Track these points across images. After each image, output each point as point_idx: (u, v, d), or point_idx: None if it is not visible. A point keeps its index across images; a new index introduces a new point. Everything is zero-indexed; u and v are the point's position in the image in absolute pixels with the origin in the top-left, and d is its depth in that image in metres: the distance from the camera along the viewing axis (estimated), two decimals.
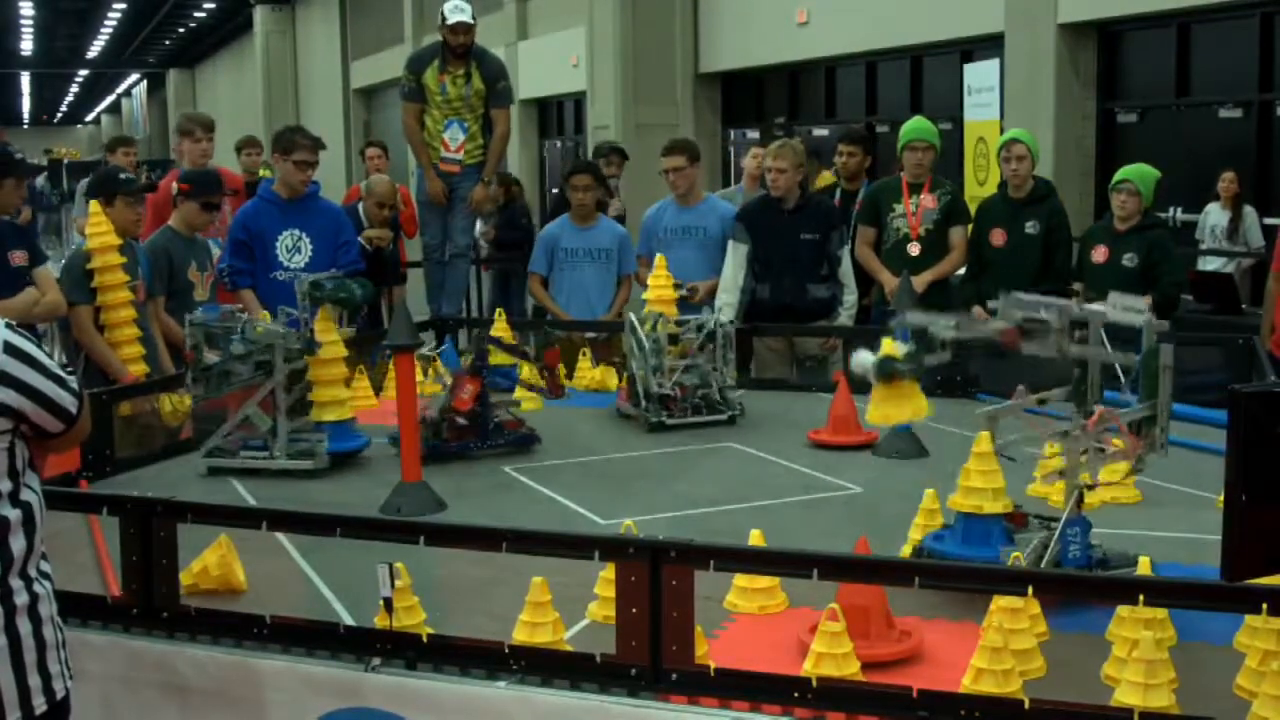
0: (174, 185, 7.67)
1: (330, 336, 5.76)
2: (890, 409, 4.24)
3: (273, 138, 8.01)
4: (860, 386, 5.32)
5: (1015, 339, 3.92)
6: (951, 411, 6.50)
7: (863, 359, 4.15)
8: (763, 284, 7.76)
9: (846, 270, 7.78)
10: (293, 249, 7.62)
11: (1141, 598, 2.99)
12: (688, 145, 8.50)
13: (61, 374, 2.97)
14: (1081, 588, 3.13)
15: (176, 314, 7.03)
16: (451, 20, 8.58)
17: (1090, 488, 3.85)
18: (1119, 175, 7.66)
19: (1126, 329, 3.93)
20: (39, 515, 2.96)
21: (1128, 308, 3.86)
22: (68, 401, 2.97)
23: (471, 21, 8.63)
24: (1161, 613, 3.35)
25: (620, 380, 7.05)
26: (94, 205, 6.67)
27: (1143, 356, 3.84)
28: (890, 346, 4.14)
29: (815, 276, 7.71)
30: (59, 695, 2.97)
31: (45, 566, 3.00)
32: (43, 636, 2.93)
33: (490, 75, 8.79)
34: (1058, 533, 3.79)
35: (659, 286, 6.87)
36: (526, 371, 6.61)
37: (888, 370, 4.09)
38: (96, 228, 6.53)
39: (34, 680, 2.90)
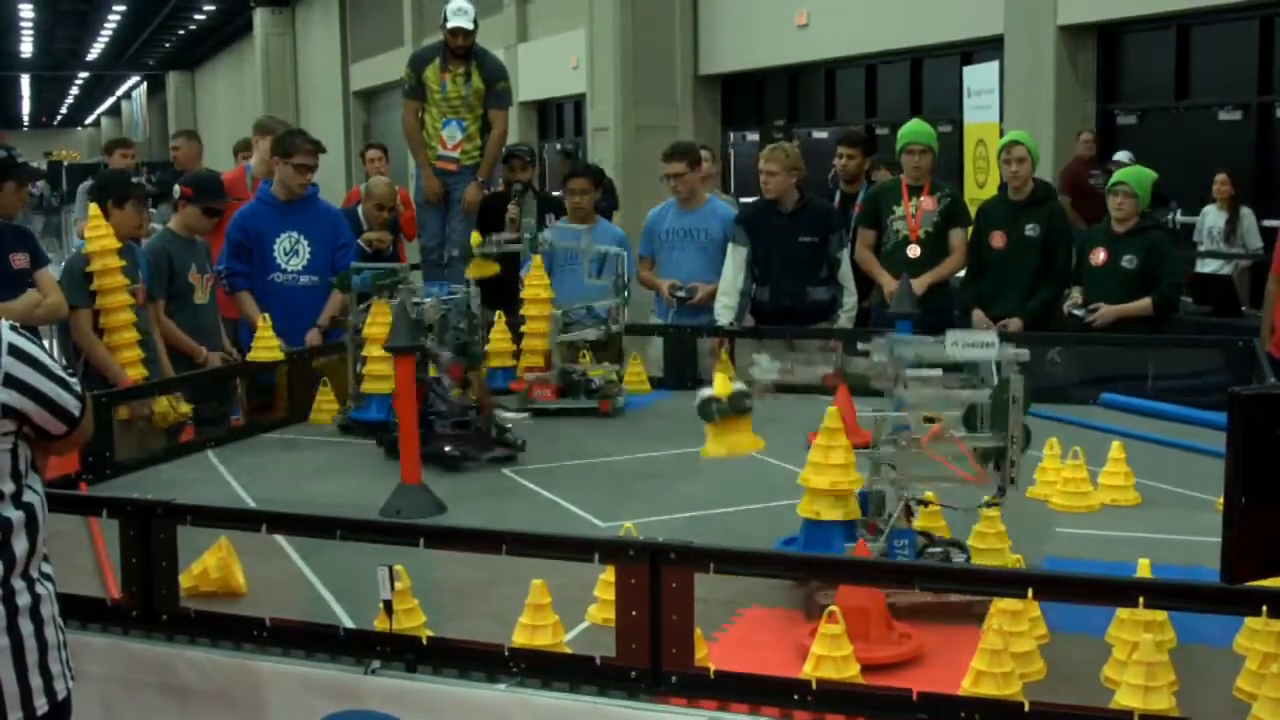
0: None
1: (384, 318, 6.02)
2: (719, 445, 4.24)
3: (272, 141, 8.00)
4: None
5: (837, 382, 3.93)
6: None
7: (699, 394, 4.18)
8: (762, 286, 7.77)
9: (846, 272, 7.78)
10: (290, 251, 7.62)
11: (1141, 600, 2.99)
12: (688, 150, 8.49)
13: (64, 376, 2.97)
14: (1082, 590, 3.13)
15: (175, 317, 7.04)
16: (452, 24, 8.61)
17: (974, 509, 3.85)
18: (1115, 177, 7.67)
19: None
20: (41, 517, 2.97)
21: (973, 344, 3.82)
22: (70, 404, 2.98)
23: (471, 27, 8.66)
24: (1161, 615, 3.35)
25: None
26: (93, 208, 6.65)
27: (994, 390, 3.82)
28: (720, 385, 4.14)
29: (814, 279, 7.72)
30: (60, 696, 2.98)
31: (47, 568, 3.01)
32: (44, 637, 2.94)
33: (490, 76, 8.82)
34: (882, 540, 3.79)
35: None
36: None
37: (707, 412, 4.11)
38: (95, 230, 6.53)
39: (35, 681, 2.90)
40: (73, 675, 3.04)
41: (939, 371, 3.87)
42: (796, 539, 3.98)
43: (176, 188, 7.39)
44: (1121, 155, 12.65)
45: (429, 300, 6.11)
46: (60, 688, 2.97)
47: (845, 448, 3.83)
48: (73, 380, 3.00)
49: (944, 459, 3.82)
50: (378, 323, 6.17)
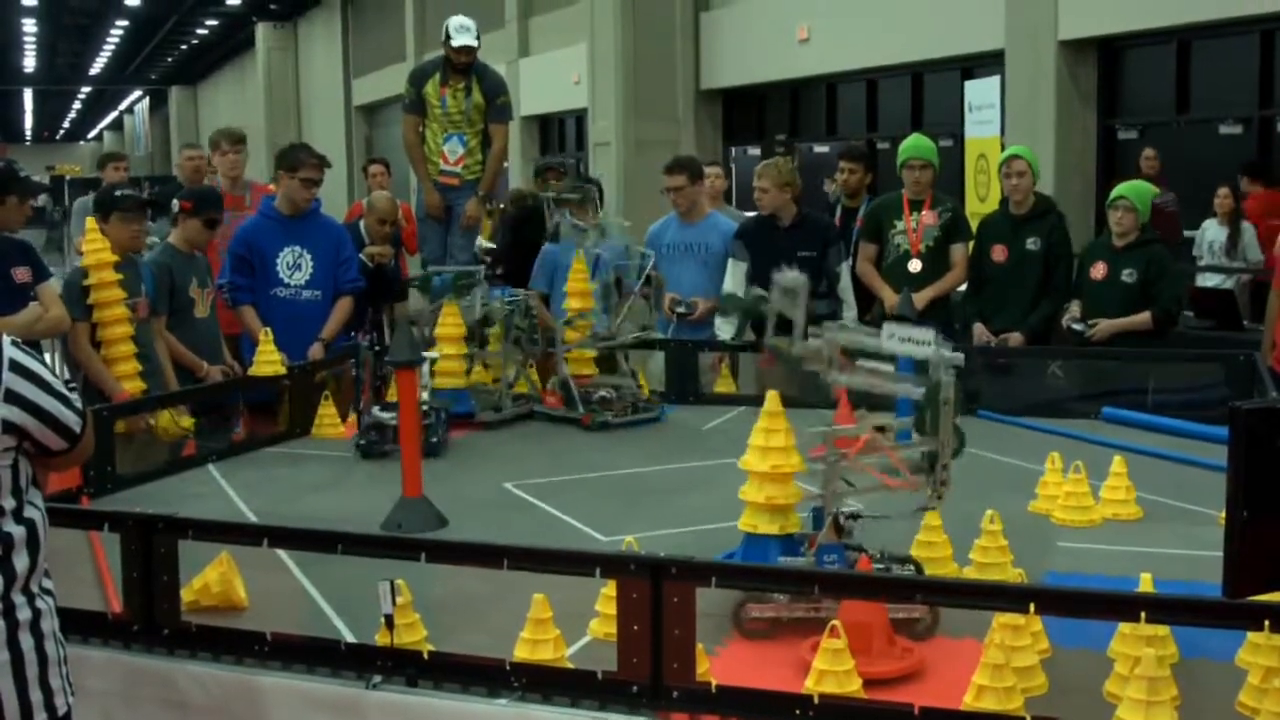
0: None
1: (455, 319, 6.77)
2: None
3: (277, 155, 8.01)
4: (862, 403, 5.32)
5: (770, 364, 3.95)
6: None
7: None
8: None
9: (845, 286, 7.79)
10: (293, 265, 7.62)
11: (1143, 615, 2.99)
12: (689, 164, 8.50)
13: (66, 392, 2.97)
14: (1084, 604, 3.12)
15: (176, 331, 7.04)
16: (457, 42, 8.64)
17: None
18: (1115, 192, 7.68)
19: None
20: (42, 532, 2.97)
21: (909, 339, 3.80)
22: (71, 420, 2.98)
23: (476, 45, 8.69)
24: (1163, 630, 3.35)
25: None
26: (90, 222, 6.67)
27: (927, 390, 3.79)
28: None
29: (813, 293, 7.70)
30: (61, 711, 2.97)
31: (48, 583, 3.01)
32: (45, 652, 2.93)
33: (490, 91, 8.84)
34: (812, 555, 3.79)
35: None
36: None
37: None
38: (92, 245, 6.54)
39: (36, 695, 2.90)
40: (73, 690, 3.03)
41: (884, 365, 3.85)
42: (735, 554, 4.00)
43: (175, 202, 7.40)
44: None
45: (495, 301, 7.03)
46: (61, 703, 2.97)
47: (782, 457, 3.85)
48: (74, 396, 3.00)
49: (873, 470, 3.80)
50: (448, 323, 6.80)
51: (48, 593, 2.99)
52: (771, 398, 3.93)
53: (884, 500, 3.91)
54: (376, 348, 6.80)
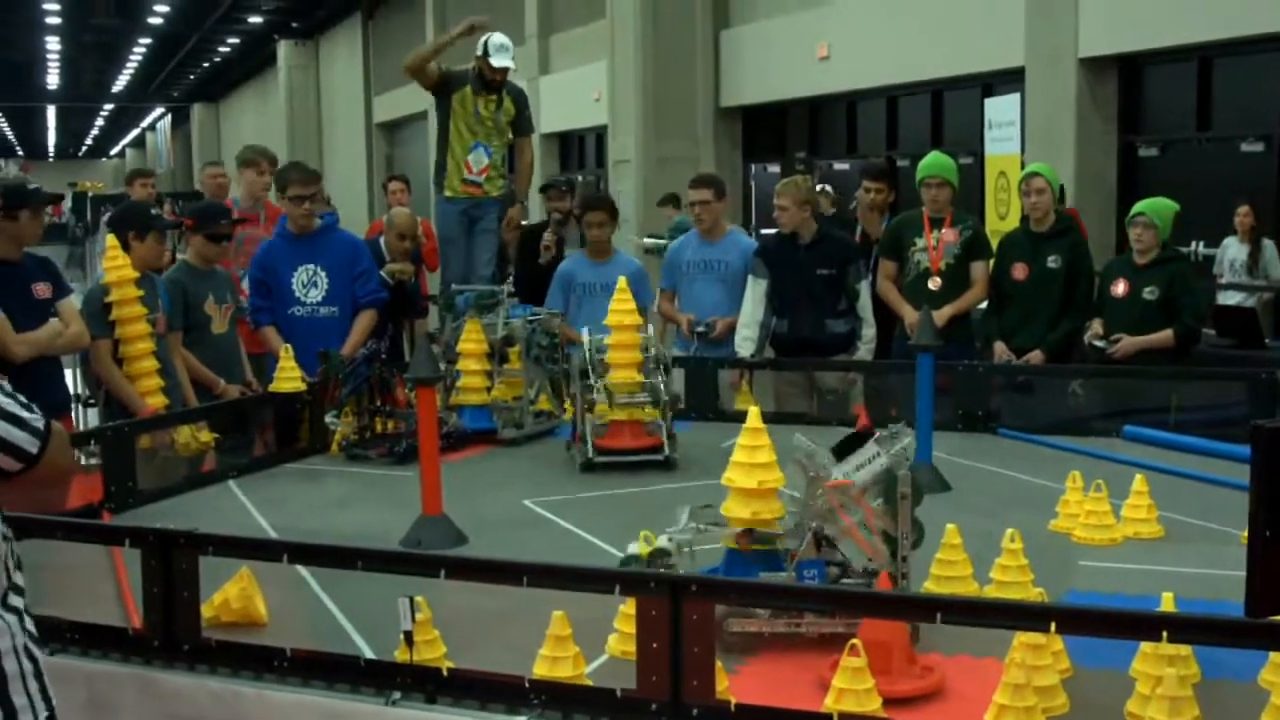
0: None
1: (478, 335, 6.89)
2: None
3: (273, 178, 8.08)
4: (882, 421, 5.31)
5: (746, 543, 3.94)
6: (974, 446, 6.51)
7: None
8: (780, 319, 7.77)
9: (865, 304, 7.78)
10: (308, 284, 7.66)
11: (1165, 634, 2.97)
12: (714, 180, 8.53)
13: (23, 415, 2.92)
14: (1106, 623, 3.11)
15: (193, 348, 7.07)
16: (495, 63, 8.67)
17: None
18: (1135, 209, 7.67)
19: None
20: (10, 547, 2.97)
21: (859, 465, 3.77)
22: (23, 441, 2.92)
23: (514, 67, 8.73)
24: (1185, 649, 3.33)
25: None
26: (111, 239, 6.69)
27: (887, 483, 3.78)
28: (642, 546, 4.11)
29: (832, 311, 7.72)
30: None
31: (16, 600, 2.99)
32: (3, 668, 2.91)
33: (519, 102, 8.93)
34: (791, 570, 3.80)
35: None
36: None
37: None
38: (113, 261, 6.57)
39: None
40: (49, 708, 3.00)
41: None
42: (718, 569, 4.01)
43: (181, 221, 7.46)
44: None
45: (516, 320, 7.03)
46: None
47: (765, 473, 3.88)
48: (32, 417, 2.95)
49: (847, 517, 3.79)
50: (471, 339, 6.89)
51: (12, 610, 2.97)
52: (753, 414, 3.96)
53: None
54: (384, 356, 6.87)
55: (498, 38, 8.74)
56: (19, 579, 3.01)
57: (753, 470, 3.90)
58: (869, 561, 3.78)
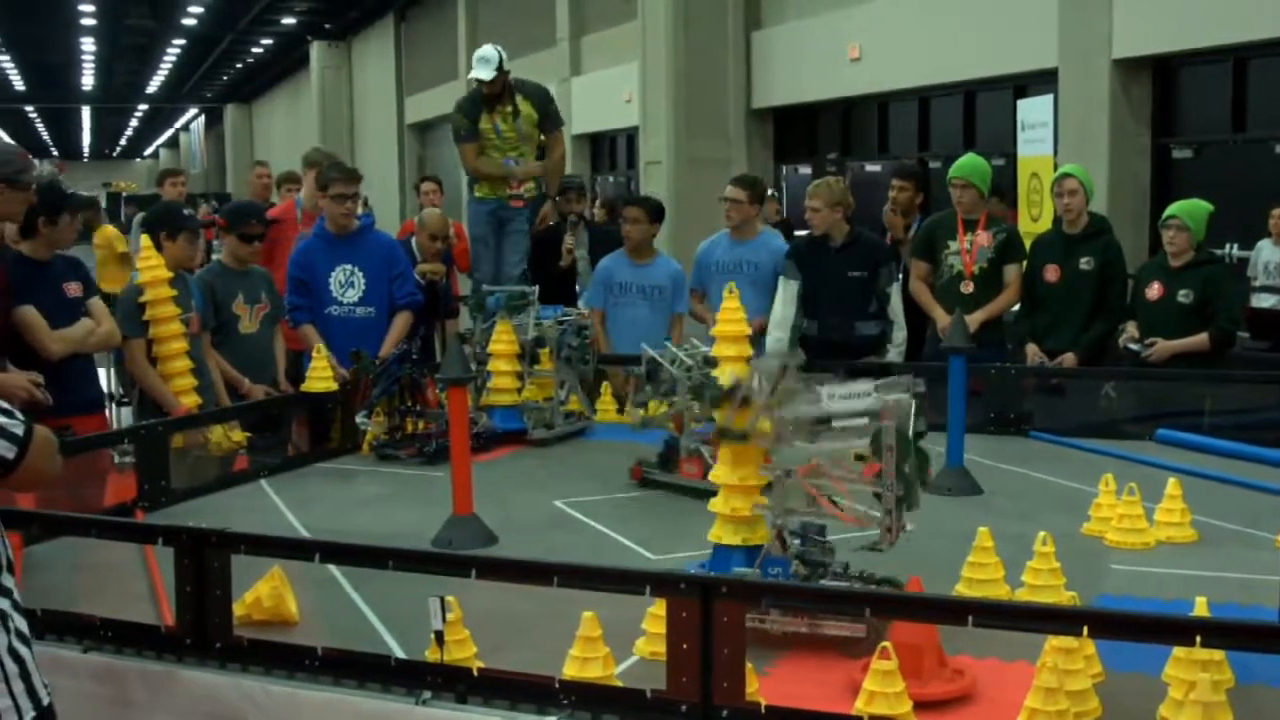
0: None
1: (508, 336, 6.84)
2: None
3: (314, 179, 8.10)
4: None
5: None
6: (1006, 448, 6.48)
7: None
8: (810, 320, 7.76)
9: (895, 307, 7.76)
10: (345, 284, 7.69)
11: (1199, 639, 2.95)
12: (755, 183, 8.55)
13: (1, 421, 2.98)
14: (1138, 627, 3.09)
15: (220, 348, 7.11)
16: (472, 76, 8.84)
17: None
18: (1167, 211, 7.61)
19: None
20: None
21: (848, 395, 3.69)
22: (0, 448, 2.98)
23: (490, 77, 8.76)
24: (1219, 655, 3.30)
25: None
26: (145, 239, 6.75)
27: (872, 436, 3.69)
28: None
29: (863, 313, 7.70)
30: None
31: (0, 603, 3.01)
32: None
33: (538, 101, 8.95)
34: (756, 564, 3.82)
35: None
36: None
37: None
38: (147, 261, 6.62)
39: None
40: (35, 708, 3.01)
41: (865, 383, 3.77)
42: (705, 565, 4.07)
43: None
44: None
45: (547, 320, 6.97)
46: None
47: (749, 470, 3.91)
48: (10, 423, 2.97)
49: (819, 495, 3.77)
50: (502, 340, 6.85)
51: None
52: (718, 467, 4.03)
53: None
54: (415, 356, 6.88)
55: (480, 51, 8.91)
56: (7, 580, 3.03)
57: (737, 467, 3.97)
58: (860, 530, 3.76)
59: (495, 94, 8.83)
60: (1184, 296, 7.36)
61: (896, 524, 3.68)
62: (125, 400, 7.36)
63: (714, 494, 4.06)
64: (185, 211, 7.13)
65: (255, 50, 48.95)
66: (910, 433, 3.66)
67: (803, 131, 20.69)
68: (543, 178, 9.12)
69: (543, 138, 9.09)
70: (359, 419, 6.70)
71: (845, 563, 3.88)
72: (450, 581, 3.54)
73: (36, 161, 5.99)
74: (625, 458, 6.26)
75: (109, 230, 12.82)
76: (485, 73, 8.76)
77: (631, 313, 8.32)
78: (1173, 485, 5.02)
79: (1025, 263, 7.95)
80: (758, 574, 3.80)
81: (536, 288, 7.47)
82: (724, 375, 4.14)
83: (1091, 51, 13.60)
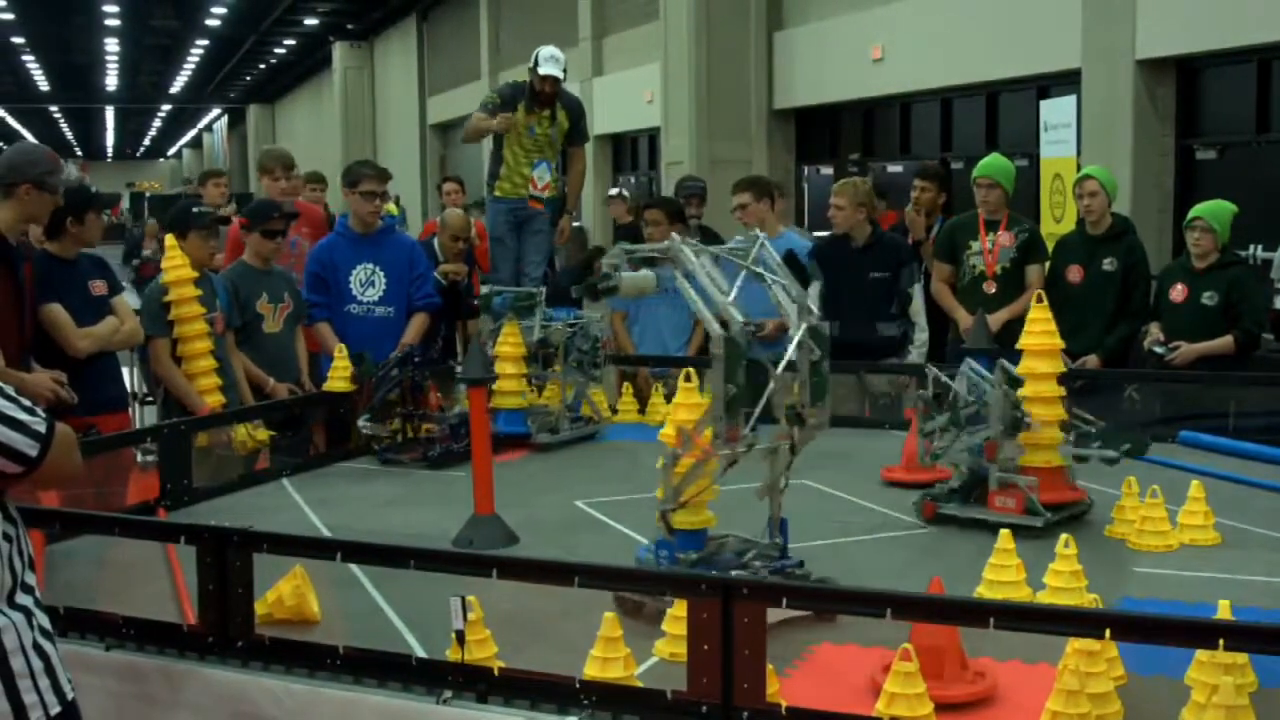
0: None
1: (515, 338, 6.78)
2: None
3: (341, 173, 8.13)
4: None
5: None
6: None
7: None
8: (832, 321, 7.74)
9: (917, 308, 7.75)
10: (366, 282, 7.71)
11: (1222, 642, 2.94)
12: (755, 182, 8.53)
13: (23, 419, 2.96)
14: (1161, 630, 3.08)
15: (244, 346, 7.13)
16: (544, 71, 8.72)
17: None
18: (1192, 213, 7.58)
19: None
20: (17, 548, 3.00)
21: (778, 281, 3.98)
22: (22, 444, 2.95)
23: (562, 76, 8.77)
24: (1242, 658, 3.29)
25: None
26: (169, 239, 6.79)
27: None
28: None
29: (884, 314, 7.70)
30: None
31: (24, 599, 3.02)
32: (10, 666, 2.95)
33: (574, 113, 8.97)
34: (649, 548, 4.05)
35: None
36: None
37: None
38: (171, 261, 6.65)
39: (2, 706, 2.92)
40: (60, 702, 3.02)
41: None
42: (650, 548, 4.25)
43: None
44: None
45: (556, 323, 6.94)
46: (35, 717, 2.98)
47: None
48: (33, 421, 2.98)
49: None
50: (509, 342, 6.79)
51: (17, 609, 3.00)
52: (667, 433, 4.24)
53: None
54: (417, 358, 6.87)
55: (548, 49, 8.83)
56: (29, 578, 3.05)
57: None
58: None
59: (548, 96, 8.82)
60: (1208, 299, 7.33)
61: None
62: (150, 399, 7.39)
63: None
64: (195, 209, 7.13)
65: (278, 51, 49.12)
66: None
67: (824, 132, 20.66)
68: (561, 181, 9.13)
69: (566, 149, 9.10)
70: (360, 422, 6.65)
71: (800, 560, 4.11)
72: (472, 581, 3.55)
73: (62, 161, 6.02)
74: (646, 458, 6.25)
75: None
76: (558, 70, 8.77)
77: (652, 314, 8.32)
78: (1196, 488, 5.00)
79: (1048, 263, 7.93)
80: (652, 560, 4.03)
81: (544, 289, 7.46)
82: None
83: (1115, 52, 13.55)
